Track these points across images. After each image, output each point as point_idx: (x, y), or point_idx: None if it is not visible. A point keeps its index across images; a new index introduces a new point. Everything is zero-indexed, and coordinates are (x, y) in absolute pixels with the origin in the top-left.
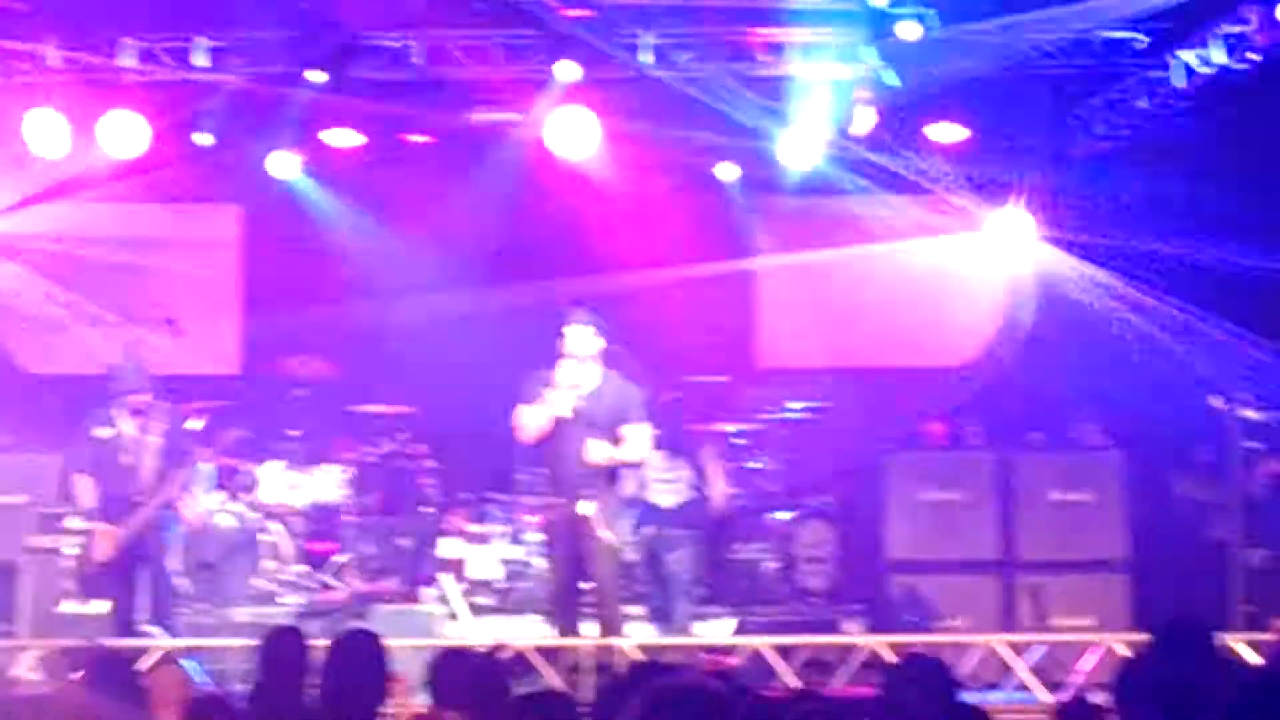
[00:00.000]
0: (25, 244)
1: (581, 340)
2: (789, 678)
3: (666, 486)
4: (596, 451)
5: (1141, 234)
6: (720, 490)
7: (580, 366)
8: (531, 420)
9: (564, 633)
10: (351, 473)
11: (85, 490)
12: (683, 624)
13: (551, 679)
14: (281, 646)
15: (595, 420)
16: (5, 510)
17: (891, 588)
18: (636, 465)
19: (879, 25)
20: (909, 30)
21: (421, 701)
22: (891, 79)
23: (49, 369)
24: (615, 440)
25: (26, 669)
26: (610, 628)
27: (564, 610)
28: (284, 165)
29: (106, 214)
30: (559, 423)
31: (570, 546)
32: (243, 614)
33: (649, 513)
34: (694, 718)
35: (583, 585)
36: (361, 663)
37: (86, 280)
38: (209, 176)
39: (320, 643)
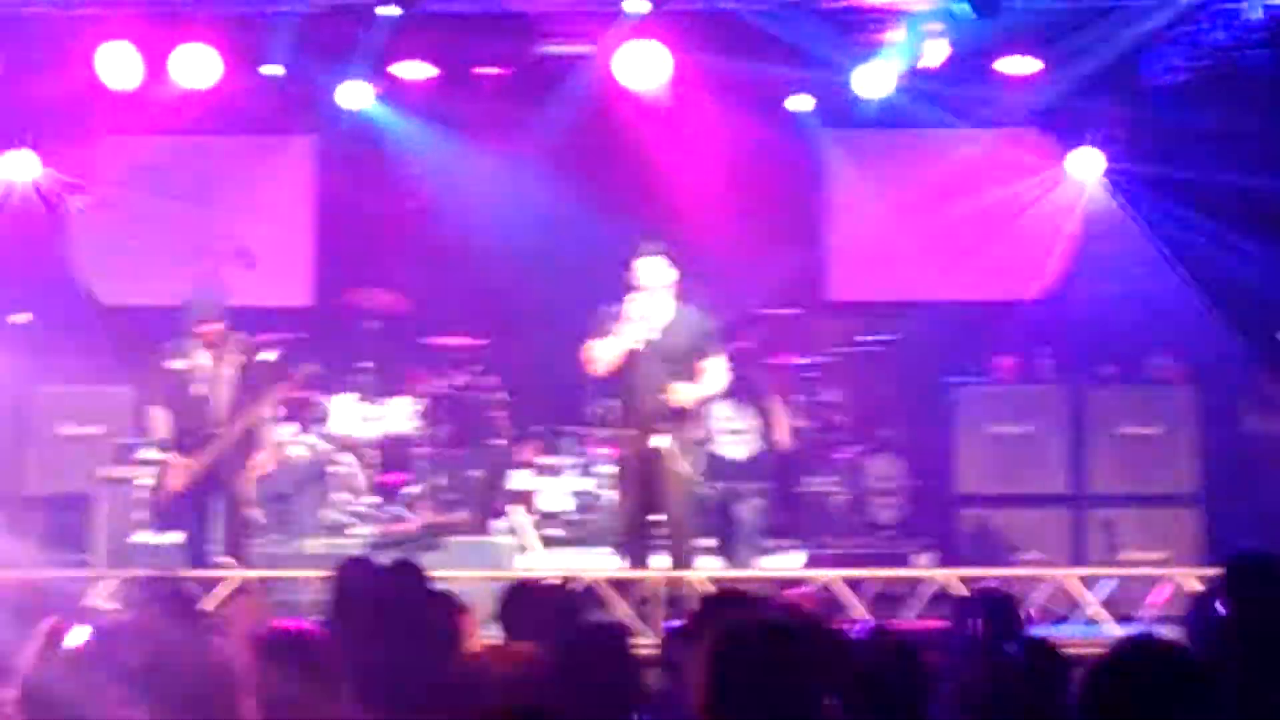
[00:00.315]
0: (98, 177)
1: (653, 272)
2: (858, 611)
3: (735, 438)
4: (683, 393)
5: (1216, 168)
6: (785, 434)
7: (652, 299)
8: (603, 354)
9: (634, 565)
10: (423, 405)
11: (159, 422)
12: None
13: (622, 611)
14: (353, 576)
15: (669, 353)
16: (80, 441)
17: (962, 521)
18: (718, 397)
19: None
20: None
21: (492, 633)
22: (963, 10)
23: (123, 300)
24: (691, 372)
25: (102, 599)
26: (682, 561)
27: (634, 543)
28: (355, 96)
29: (180, 146)
30: (631, 356)
31: (642, 480)
32: (315, 545)
33: (717, 464)
34: (764, 653)
35: (654, 518)
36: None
37: (159, 213)
38: (281, 108)
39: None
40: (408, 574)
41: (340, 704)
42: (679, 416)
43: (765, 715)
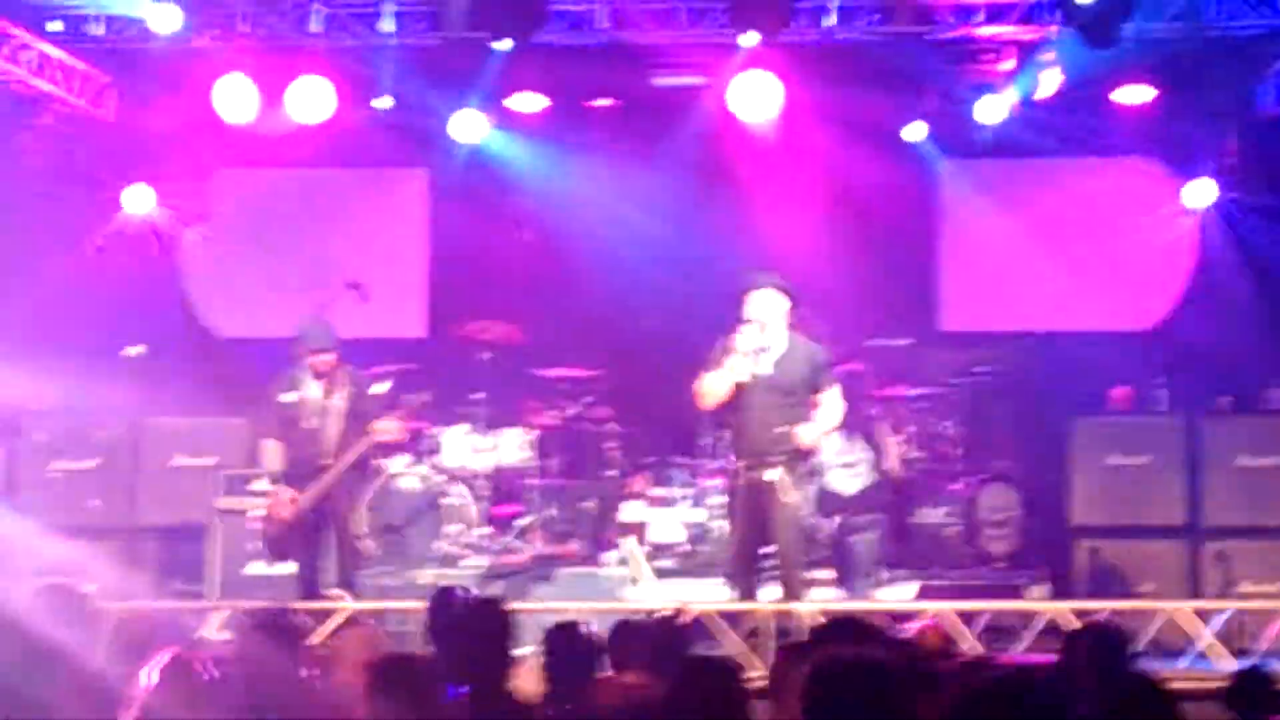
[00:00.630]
0: (214, 208)
1: (765, 304)
2: (970, 643)
3: (847, 471)
4: (806, 434)
5: None
6: (896, 464)
7: (763, 331)
8: (712, 387)
9: (743, 597)
10: (535, 436)
11: (271, 454)
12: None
13: (732, 643)
14: (447, 606)
15: (781, 385)
16: (195, 472)
17: (1076, 553)
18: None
19: None
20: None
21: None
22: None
23: (238, 332)
24: (804, 405)
25: (215, 630)
26: (792, 592)
27: (743, 575)
28: (468, 128)
29: (295, 179)
30: (742, 388)
31: (753, 512)
32: (427, 576)
33: (829, 497)
34: (857, 690)
35: (764, 550)
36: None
37: (274, 245)
38: (395, 141)
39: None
40: (489, 606)
41: None
42: (791, 449)
43: None
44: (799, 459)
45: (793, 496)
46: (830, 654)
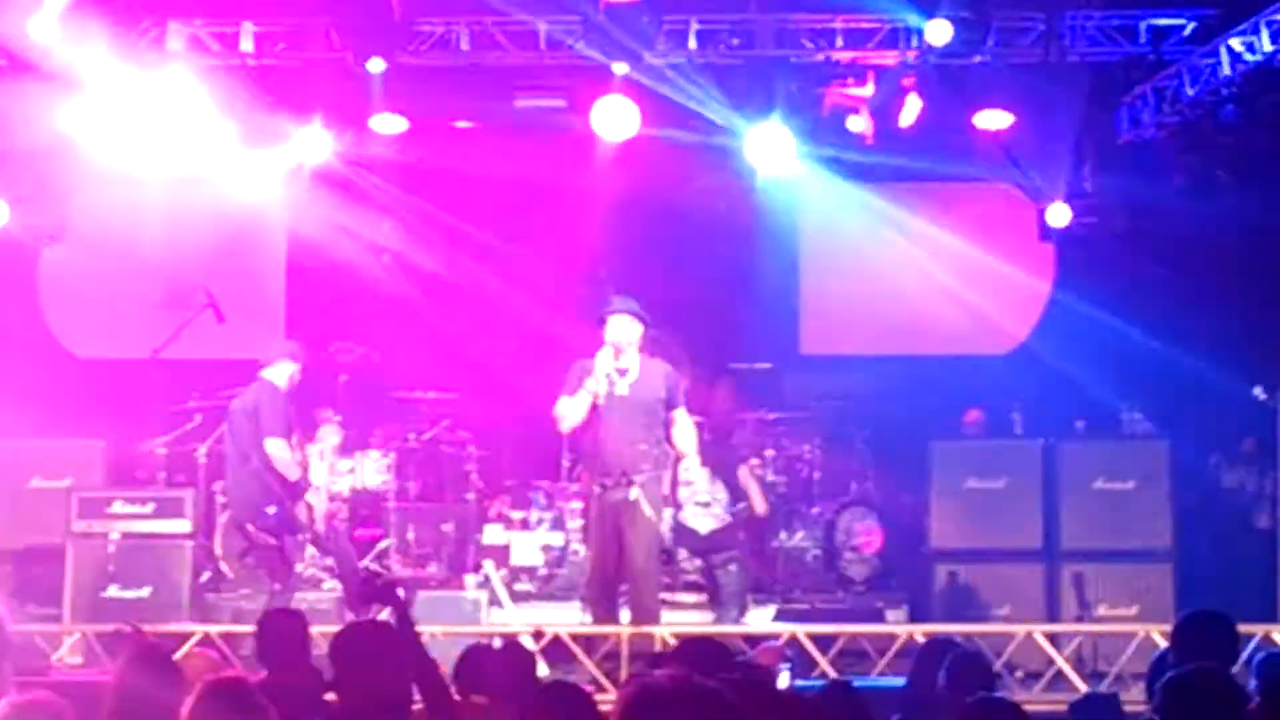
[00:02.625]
0: (71, 226)
1: (621, 329)
2: (824, 666)
3: (702, 510)
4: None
5: (1188, 223)
6: (761, 505)
7: (620, 354)
8: (570, 410)
9: (602, 620)
10: (394, 459)
11: None
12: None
13: (587, 667)
14: (279, 627)
15: (639, 405)
16: (51, 495)
17: (934, 577)
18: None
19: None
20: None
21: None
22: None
23: (94, 353)
24: (662, 423)
25: (68, 653)
26: (646, 614)
27: (603, 598)
28: (319, 148)
29: (153, 198)
30: (600, 410)
31: (612, 532)
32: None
33: (684, 535)
34: (671, 712)
35: (622, 571)
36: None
37: (132, 264)
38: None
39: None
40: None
41: None
42: (651, 469)
43: None
44: (657, 480)
45: (651, 515)
46: (648, 679)
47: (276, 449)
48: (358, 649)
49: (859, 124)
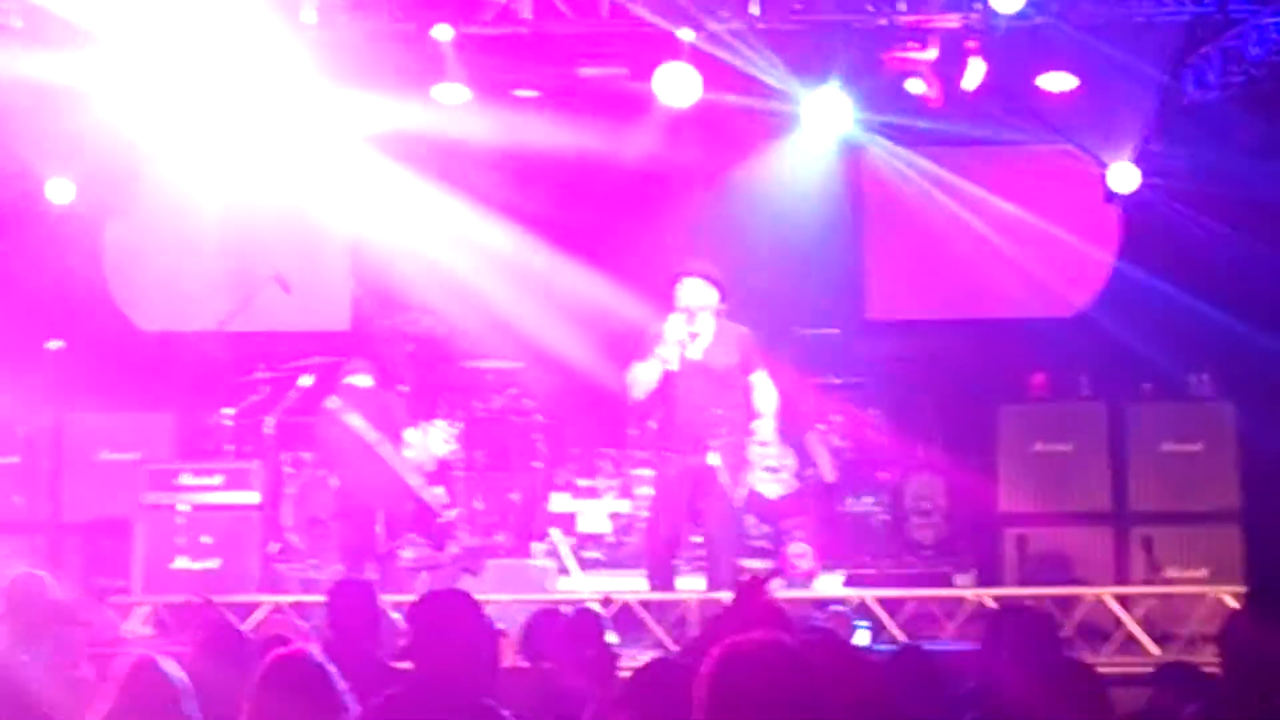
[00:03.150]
0: (136, 200)
1: (694, 292)
2: (894, 631)
3: (770, 476)
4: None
5: (1254, 184)
6: (829, 470)
7: (693, 319)
8: (643, 376)
9: (660, 587)
10: (461, 428)
11: None
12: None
13: (658, 633)
14: (349, 597)
15: (713, 371)
16: (119, 467)
17: (1002, 540)
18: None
19: None
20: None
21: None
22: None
23: (160, 326)
24: (738, 388)
25: (139, 625)
26: (721, 580)
27: (663, 564)
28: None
29: (218, 169)
30: (673, 376)
31: (681, 500)
32: None
33: (751, 501)
34: (762, 672)
35: (690, 539)
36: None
37: (198, 235)
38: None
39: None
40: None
41: None
42: (728, 434)
43: None
44: (735, 446)
45: (728, 483)
46: (737, 639)
47: (413, 436)
48: (435, 617)
49: (919, 86)
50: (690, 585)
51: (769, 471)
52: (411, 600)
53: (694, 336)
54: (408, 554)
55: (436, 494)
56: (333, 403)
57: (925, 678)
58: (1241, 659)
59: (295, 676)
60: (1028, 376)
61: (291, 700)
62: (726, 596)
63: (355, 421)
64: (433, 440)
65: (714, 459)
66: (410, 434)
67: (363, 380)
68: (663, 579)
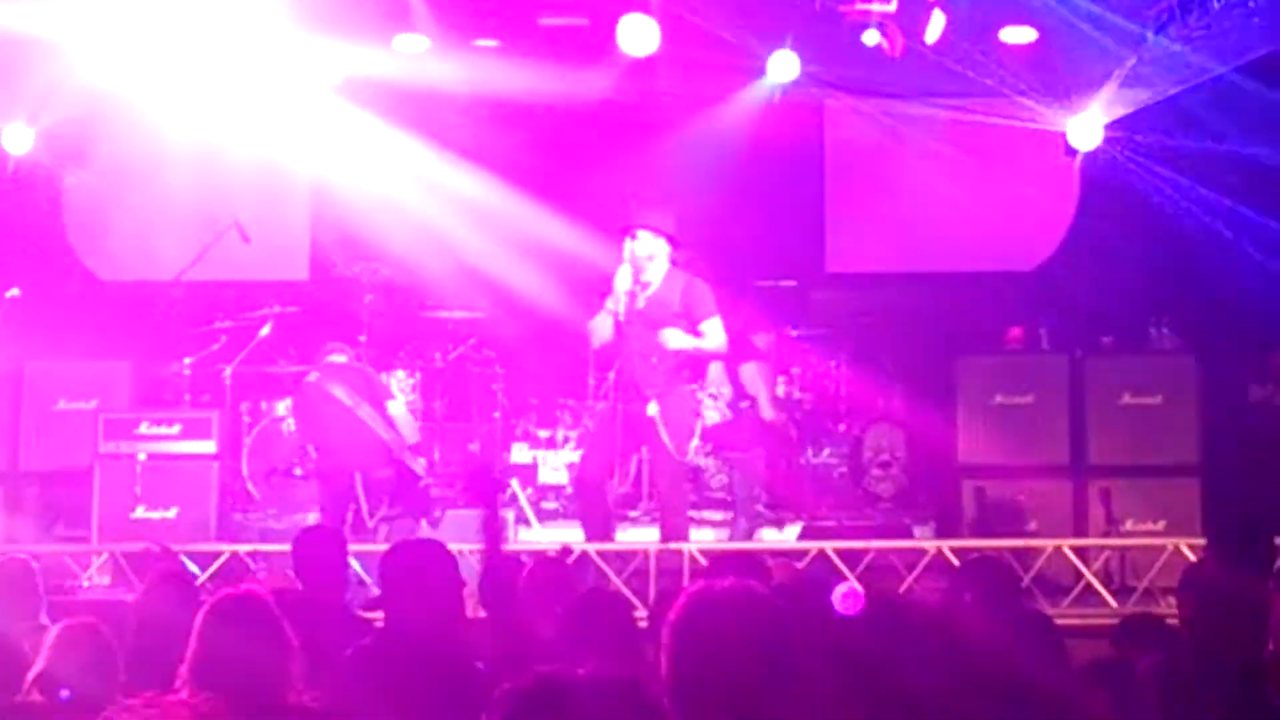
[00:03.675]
0: (95, 149)
1: (642, 244)
2: (855, 582)
3: (711, 403)
4: (675, 339)
5: (1216, 136)
6: (766, 408)
7: (642, 271)
8: (597, 326)
9: (590, 536)
10: (420, 378)
11: None
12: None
13: (617, 584)
14: (316, 546)
15: (659, 321)
16: (78, 416)
17: (962, 492)
18: (718, 357)
19: None
20: None
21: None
22: None
23: (119, 275)
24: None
25: (96, 574)
26: (673, 532)
27: (587, 511)
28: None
29: (176, 119)
30: (621, 326)
31: (609, 448)
32: (313, 520)
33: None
34: (726, 623)
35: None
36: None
37: (156, 187)
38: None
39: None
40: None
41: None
42: (670, 380)
43: (729, 685)
44: (680, 396)
45: (666, 435)
46: (707, 584)
47: (398, 408)
48: (405, 567)
49: (874, 38)
50: (646, 536)
51: (708, 398)
52: (382, 550)
53: (644, 287)
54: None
55: (419, 463)
56: (313, 377)
57: (896, 627)
58: (1202, 609)
59: (244, 613)
60: (990, 329)
61: (239, 636)
62: (682, 547)
63: (337, 390)
64: (392, 390)
65: (652, 409)
66: (393, 405)
67: (340, 358)
68: (594, 525)
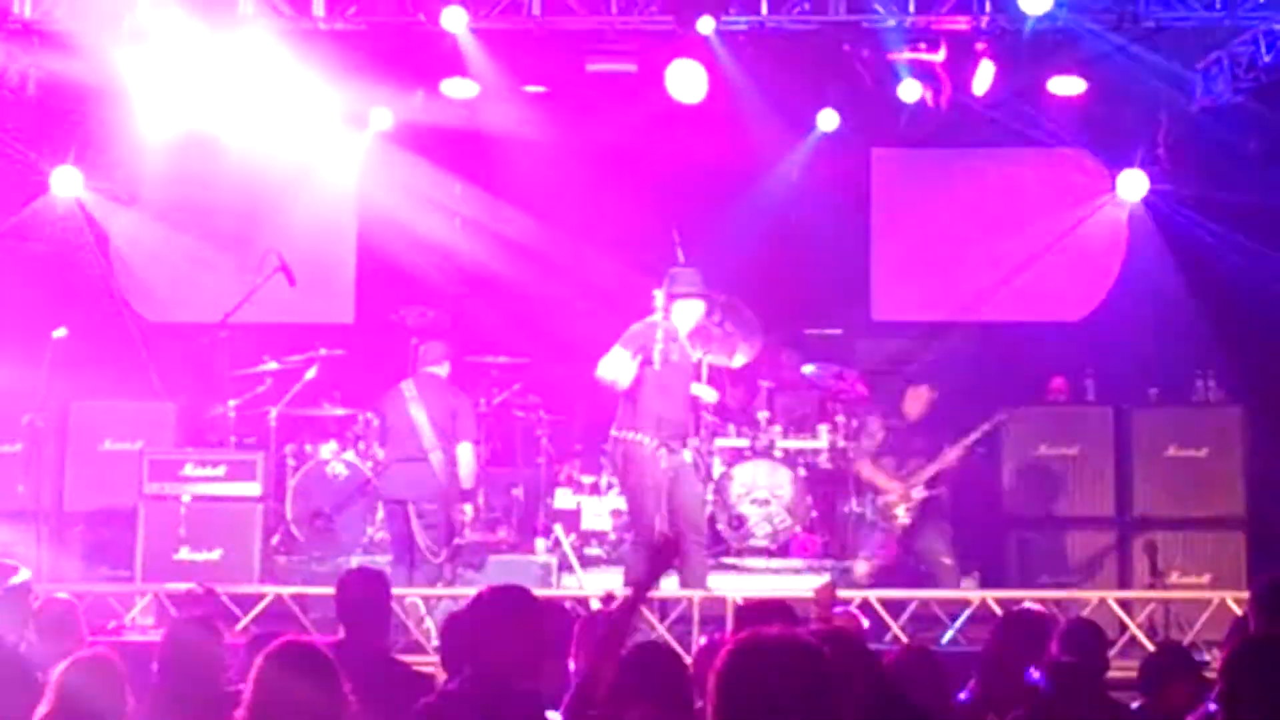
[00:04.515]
0: (143, 191)
1: (691, 313)
2: (896, 631)
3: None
4: (706, 394)
5: (1261, 190)
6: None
7: (680, 329)
8: (622, 374)
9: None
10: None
11: None
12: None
13: (660, 630)
14: (361, 588)
15: (688, 370)
16: (123, 457)
17: (1006, 543)
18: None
19: None
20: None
21: None
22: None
23: (165, 316)
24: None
25: (140, 614)
26: (696, 578)
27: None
28: (387, 115)
29: (226, 162)
30: (658, 373)
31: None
32: (356, 563)
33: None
34: (774, 669)
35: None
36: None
37: (204, 229)
38: (327, 124)
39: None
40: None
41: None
42: (696, 429)
43: None
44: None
45: (696, 481)
46: (753, 633)
47: (468, 455)
48: (495, 614)
49: (914, 91)
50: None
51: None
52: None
53: (676, 339)
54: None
55: (465, 510)
56: (408, 388)
57: (931, 676)
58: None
59: (304, 662)
60: (1035, 380)
61: (298, 685)
62: (725, 594)
63: (418, 415)
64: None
65: (688, 455)
66: (463, 450)
67: (439, 370)
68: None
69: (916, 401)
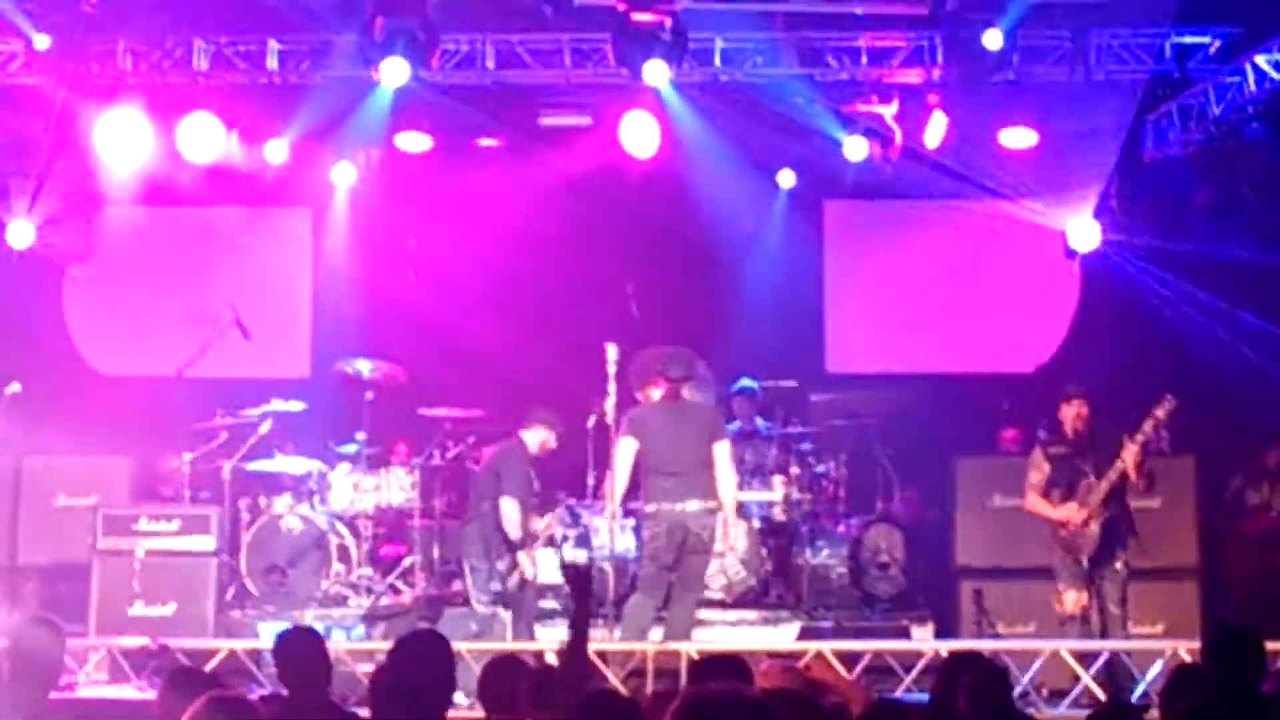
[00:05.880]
0: (98, 245)
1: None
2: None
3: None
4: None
5: (1213, 240)
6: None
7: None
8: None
9: (640, 635)
10: (419, 476)
11: None
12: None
13: (614, 683)
14: (298, 647)
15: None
16: (77, 512)
17: (960, 594)
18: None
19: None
20: (992, 40)
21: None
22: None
23: (120, 370)
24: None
25: (94, 669)
26: (681, 632)
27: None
28: (347, 172)
29: (178, 216)
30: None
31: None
32: (311, 617)
33: None
34: None
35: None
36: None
37: (158, 283)
38: (280, 180)
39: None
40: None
41: None
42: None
43: None
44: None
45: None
46: (699, 689)
47: (509, 509)
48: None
49: (860, 149)
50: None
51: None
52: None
53: None
54: (362, 601)
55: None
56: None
57: None
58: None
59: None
60: (989, 431)
61: None
62: (680, 647)
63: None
64: (390, 488)
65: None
66: (505, 503)
67: (538, 436)
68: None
69: (1077, 420)
